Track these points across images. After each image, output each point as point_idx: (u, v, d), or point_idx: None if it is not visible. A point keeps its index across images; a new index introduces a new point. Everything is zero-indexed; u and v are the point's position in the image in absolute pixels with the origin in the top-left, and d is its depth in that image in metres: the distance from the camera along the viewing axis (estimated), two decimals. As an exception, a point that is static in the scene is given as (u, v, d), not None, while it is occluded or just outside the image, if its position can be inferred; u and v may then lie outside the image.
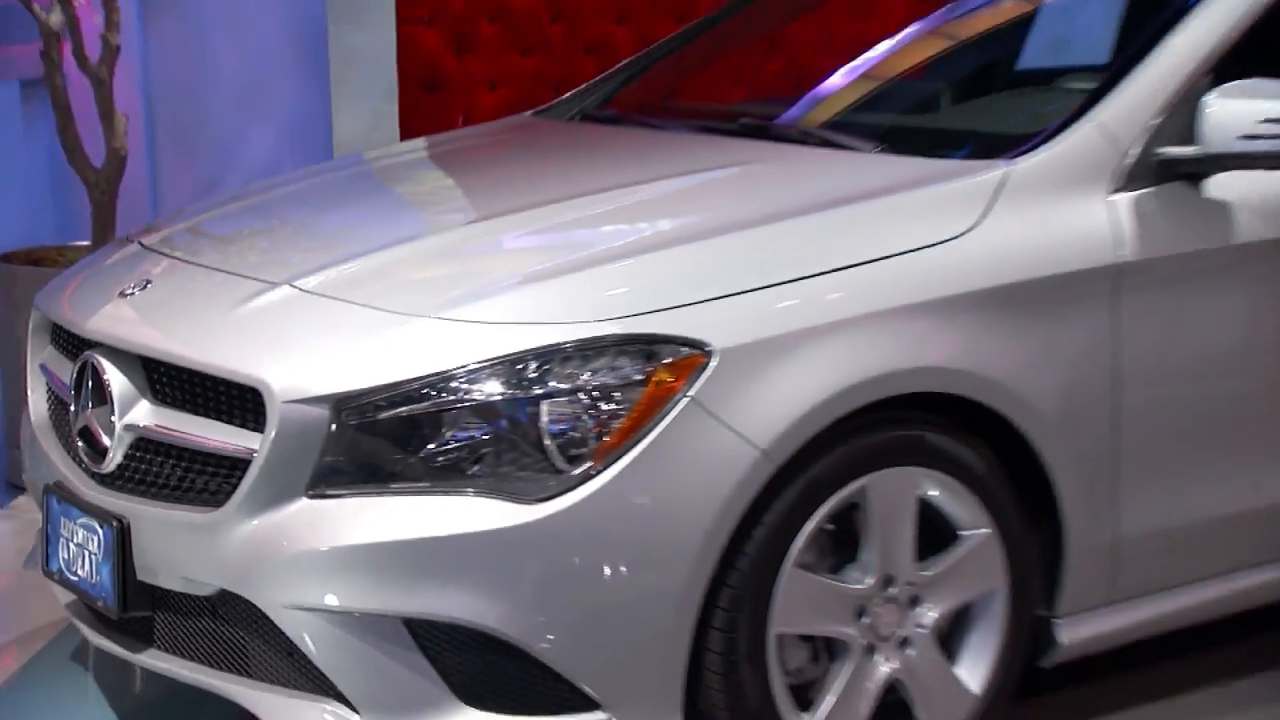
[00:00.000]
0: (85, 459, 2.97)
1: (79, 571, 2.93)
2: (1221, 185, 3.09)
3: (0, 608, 3.83)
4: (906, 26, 4.17)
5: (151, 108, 8.15)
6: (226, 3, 7.52)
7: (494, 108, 6.56)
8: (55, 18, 4.71)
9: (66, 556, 2.97)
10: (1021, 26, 3.96)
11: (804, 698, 2.78)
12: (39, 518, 4.25)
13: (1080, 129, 3.05)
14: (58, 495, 3.02)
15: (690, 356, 2.59)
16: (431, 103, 6.75)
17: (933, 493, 2.83)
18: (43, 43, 4.79)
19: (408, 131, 6.57)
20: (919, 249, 2.84)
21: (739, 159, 3.45)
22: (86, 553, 2.89)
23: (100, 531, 2.84)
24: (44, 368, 3.27)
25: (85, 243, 5.17)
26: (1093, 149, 3.03)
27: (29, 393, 3.32)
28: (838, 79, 3.96)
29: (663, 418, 2.55)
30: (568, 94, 4.36)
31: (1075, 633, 3.06)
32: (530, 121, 4.28)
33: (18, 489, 4.70)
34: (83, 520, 2.90)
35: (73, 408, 3.02)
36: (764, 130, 3.67)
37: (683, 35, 4.44)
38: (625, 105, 4.12)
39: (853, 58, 4.04)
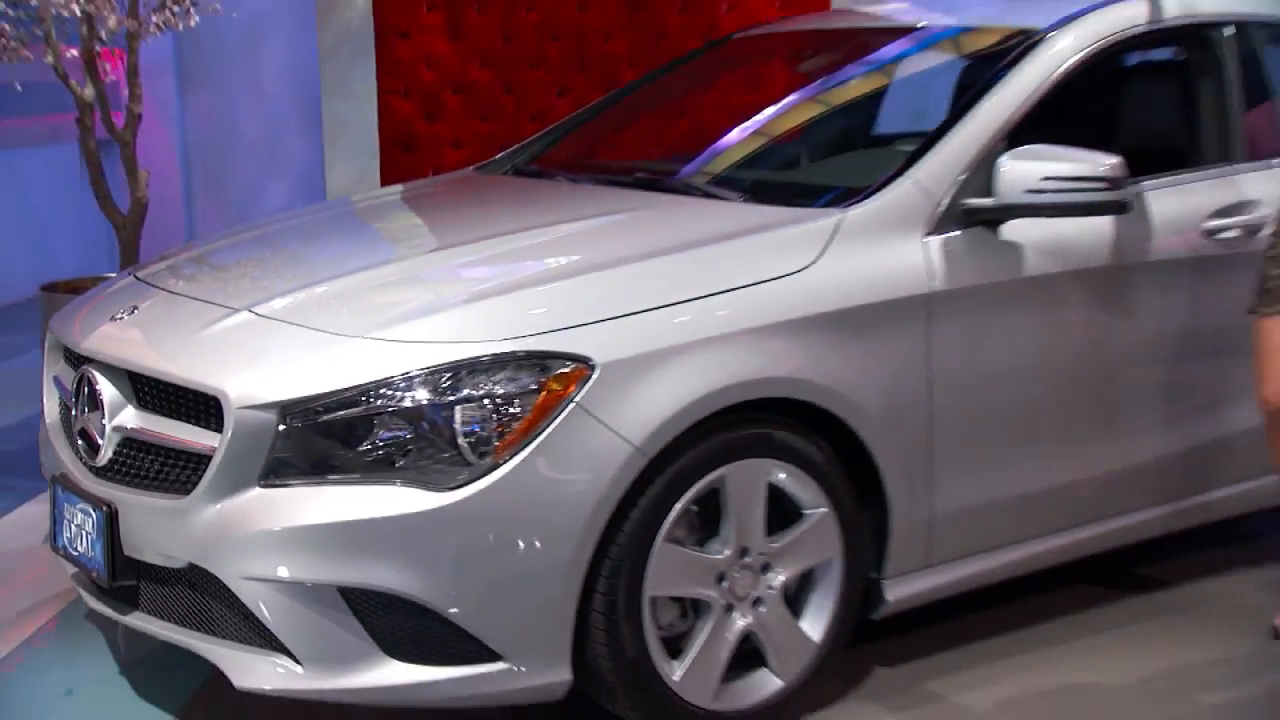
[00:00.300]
0: (83, 455, 2.92)
1: (78, 548, 2.88)
2: (1013, 229, 3.09)
3: (37, 576, 3.73)
4: (780, 99, 4.12)
5: (188, 163, 8.12)
6: (247, 80, 7.51)
7: (457, 163, 6.51)
8: (88, 91, 4.64)
9: (69, 536, 2.92)
10: (864, 102, 3.99)
11: (674, 648, 2.74)
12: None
13: (901, 184, 3.05)
14: (61, 485, 2.96)
15: (576, 369, 2.56)
16: (407, 160, 6.75)
17: (780, 478, 2.80)
18: (77, 111, 4.70)
19: (388, 183, 6.55)
20: (768, 280, 2.82)
21: (631, 206, 3.40)
22: (84, 533, 2.84)
23: (94, 515, 2.79)
24: (56, 379, 3.21)
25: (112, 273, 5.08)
26: (911, 200, 3.02)
27: (44, 399, 3.25)
28: (718, 141, 3.92)
29: (554, 419, 2.53)
30: (503, 153, 4.30)
31: (899, 591, 3.05)
32: (472, 175, 4.23)
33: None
34: (81, 505, 2.85)
35: (73, 412, 2.96)
36: (655, 183, 3.64)
37: (599, 104, 4.40)
38: (548, 162, 4.06)
39: (733, 123, 4.00)
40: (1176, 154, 3.54)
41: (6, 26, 4.44)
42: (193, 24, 4.68)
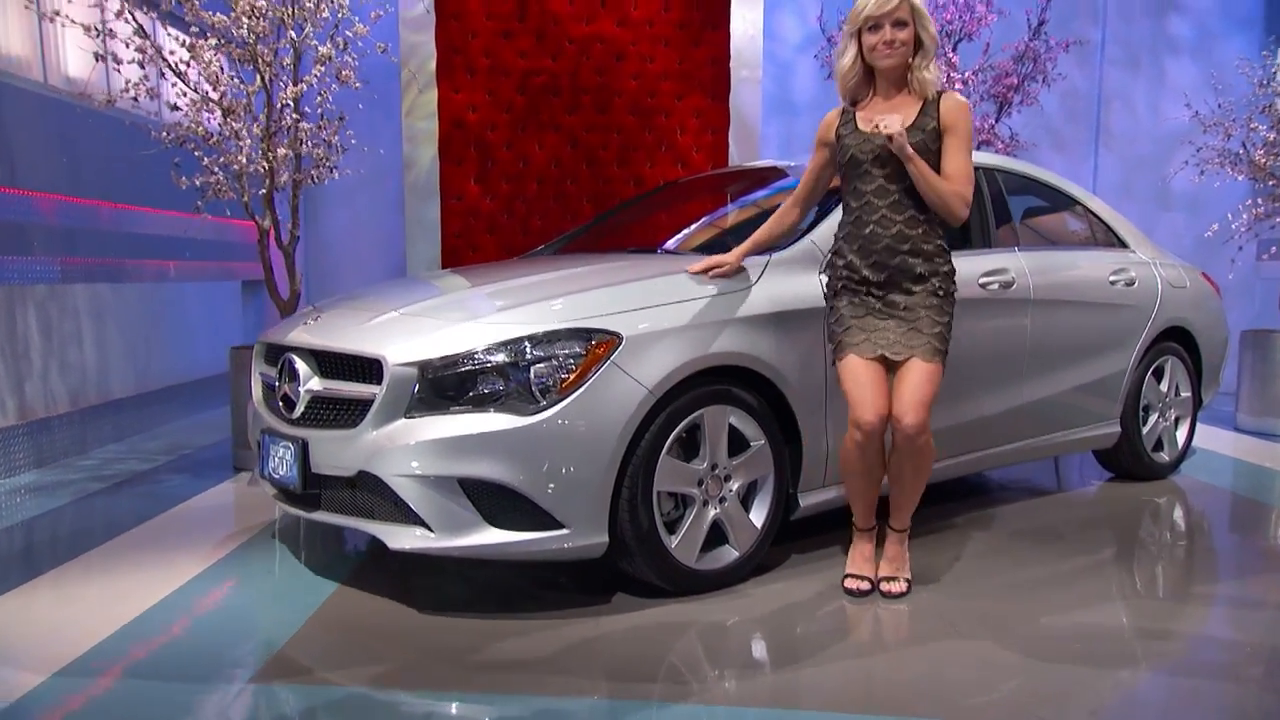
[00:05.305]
0: (283, 412, 2.86)
1: (280, 473, 2.82)
2: None
3: (232, 519, 3.63)
4: (717, 208, 4.19)
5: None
6: (363, 198, 7.16)
7: (497, 255, 6.55)
8: (266, 221, 4.62)
9: (273, 466, 2.85)
10: (762, 205, 3.96)
11: (671, 529, 2.72)
12: (246, 481, 4.10)
13: (803, 242, 3.07)
14: (268, 434, 2.90)
15: (610, 339, 2.57)
16: (459, 244, 6.68)
17: (734, 420, 2.79)
18: (257, 234, 4.68)
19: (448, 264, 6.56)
20: (733, 291, 2.84)
21: (620, 260, 3.32)
22: (284, 461, 2.79)
23: (292, 448, 2.74)
24: (261, 374, 3.14)
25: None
26: (809, 250, 3.05)
27: (252, 386, 3.16)
28: (688, 228, 3.95)
29: (596, 371, 2.53)
30: (544, 244, 4.27)
31: (808, 500, 3.03)
32: (525, 256, 4.10)
33: (237, 470, 4.50)
34: (282, 444, 2.80)
35: (276, 386, 2.91)
36: (642, 251, 3.56)
37: (596, 220, 4.34)
38: (572, 249, 4.00)
39: (694, 221, 4.04)
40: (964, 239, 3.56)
41: (222, 177, 4.45)
42: (335, 177, 4.70)
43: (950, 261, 2.74)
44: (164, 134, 4.39)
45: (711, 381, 2.73)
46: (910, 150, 2.58)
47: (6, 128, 4.45)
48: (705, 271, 2.86)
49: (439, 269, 6.48)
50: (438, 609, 2.66)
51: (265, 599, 2.81)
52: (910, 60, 2.65)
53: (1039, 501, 3.95)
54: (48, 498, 4.00)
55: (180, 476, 4.39)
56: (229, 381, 4.76)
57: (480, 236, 6.58)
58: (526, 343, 2.54)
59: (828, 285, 2.83)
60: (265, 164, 4.43)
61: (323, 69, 4.39)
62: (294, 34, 4.35)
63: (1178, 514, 3.85)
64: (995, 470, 4.22)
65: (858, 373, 2.67)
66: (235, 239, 7.22)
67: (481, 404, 2.51)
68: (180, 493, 4.06)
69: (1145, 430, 4.17)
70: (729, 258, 2.88)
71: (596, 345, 2.55)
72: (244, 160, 4.39)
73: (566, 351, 2.54)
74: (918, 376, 2.64)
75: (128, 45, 4.36)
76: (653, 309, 2.69)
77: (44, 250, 4.70)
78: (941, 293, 2.70)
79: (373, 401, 2.57)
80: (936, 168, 2.65)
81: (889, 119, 2.57)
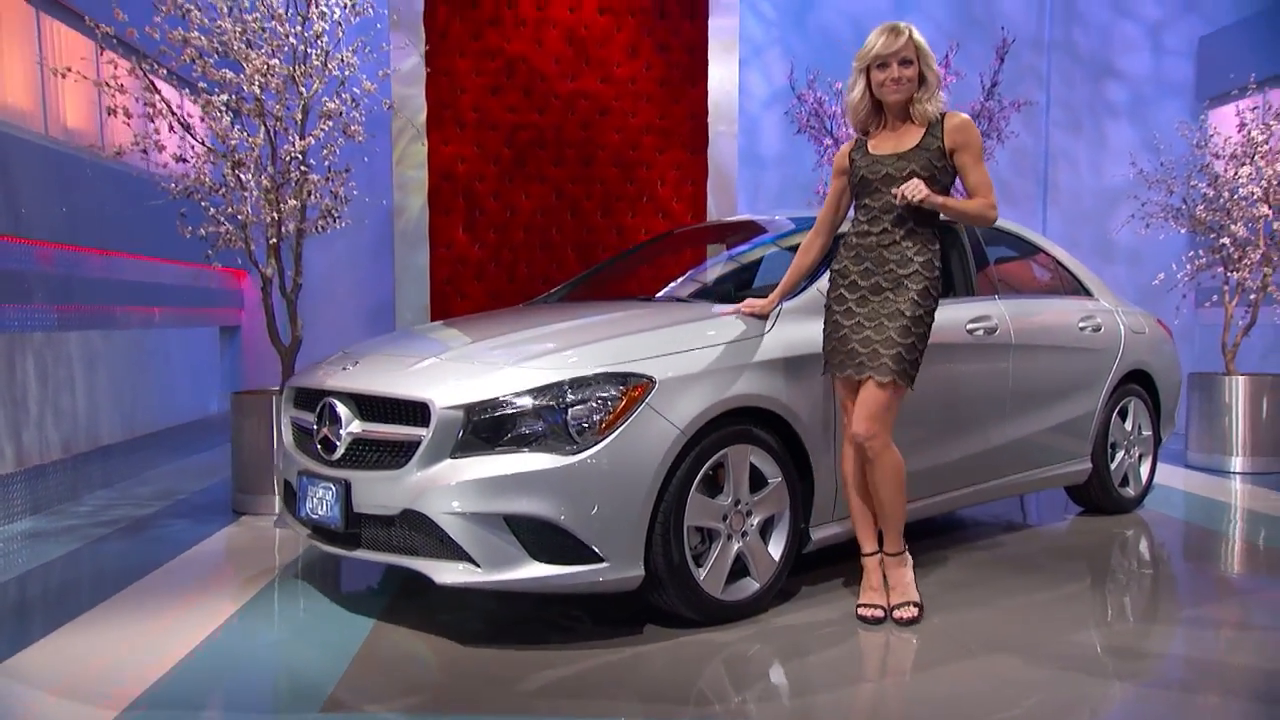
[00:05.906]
0: (322, 455, 2.93)
1: (318, 513, 2.87)
2: None
3: (244, 557, 3.66)
4: (709, 259, 4.46)
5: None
6: (341, 244, 7.22)
7: (485, 302, 6.66)
8: (269, 270, 4.69)
9: (310, 507, 2.91)
10: (758, 255, 4.15)
11: (697, 562, 2.83)
12: (259, 525, 4.14)
13: (810, 290, 3.23)
14: (306, 475, 2.95)
15: (644, 382, 2.70)
16: (448, 290, 6.76)
17: (754, 460, 2.93)
18: (261, 280, 4.75)
19: (436, 316, 6.59)
20: (750, 338, 3.00)
21: (634, 308, 3.44)
22: (324, 502, 2.85)
23: (333, 489, 2.81)
24: (292, 418, 3.20)
25: (275, 386, 4.97)
26: (815, 298, 3.20)
27: (282, 430, 3.22)
28: (685, 277, 4.17)
29: (631, 413, 2.65)
30: (546, 292, 4.37)
31: (819, 534, 3.16)
32: (534, 303, 4.19)
33: (237, 514, 4.52)
34: (322, 485, 2.86)
35: (315, 429, 2.98)
36: (646, 299, 3.77)
37: (595, 268, 4.45)
38: (577, 296, 4.11)
39: (688, 271, 4.29)
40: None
41: (229, 226, 4.54)
42: (339, 226, 4.80)
43: (937, 271, 2.92)
44: (173, 185, 4.48)
45: (734, 422, 2.87)
46: (939, 200, 2.80)
47: (10, 178, 4.49)
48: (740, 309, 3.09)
49: (429, 314, 6.58)
50: (478, 642, 2.74)
51: (307, 637, 2.86)
52: (915, 94, 2.88)
53: (1018, 535, 4.16)
54: (53, 544, 3.98)
55: (181, 521, 4.39)
56: (230, 426, 4.78)
57: (468, 284, 6.71)
58: (566, 386, 2.65)
59: (828, 293, 3.05)
60: (275, 214, 4.52)
61: (330, 124, 4.52)
62: (304, 90, 4.48)
63: (1144, 545, 4.10)
64: (973, 507, 4.42)
65: (842, 388, 2.99)
66: (215, 286, 7.26)
67: (522, 444, 2.62)
68: (185, 538, 4.07)
69: (1113, 467, 4.43)
70: (762, 303, 3.11)
71: (632, 388, 2.68)
72: (248, 210, 4.48)
73: (604, 394, 2.66)
74: (869, 394, 2.87)
75: (138, 100, 4.45)
76: (681, 354, 2.83)
77: (42, 298, 4.72)
78: (909, 312, 2.85)
79: (418, 443, 2.66)
80: (945, 181, 2.88)
81: (909, 187, 2.77)
